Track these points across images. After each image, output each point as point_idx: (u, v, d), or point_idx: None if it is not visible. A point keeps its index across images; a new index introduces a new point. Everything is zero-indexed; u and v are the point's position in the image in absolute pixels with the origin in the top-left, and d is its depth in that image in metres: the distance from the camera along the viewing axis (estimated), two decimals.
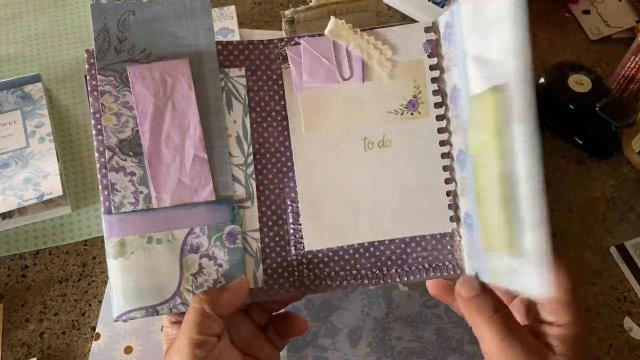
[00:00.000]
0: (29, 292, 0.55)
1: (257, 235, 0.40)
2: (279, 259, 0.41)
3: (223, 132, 0.40)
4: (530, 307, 0.37)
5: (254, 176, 0.41)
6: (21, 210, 0.57)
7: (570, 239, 0.59)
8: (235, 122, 0.41)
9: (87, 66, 0.39)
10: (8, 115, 0.62)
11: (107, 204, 0.39)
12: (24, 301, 0.54)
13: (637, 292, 0.55)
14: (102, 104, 0.39)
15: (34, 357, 0.51)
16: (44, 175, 0.58)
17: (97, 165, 0.39)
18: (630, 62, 0.64)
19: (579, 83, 0.63)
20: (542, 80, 0.65)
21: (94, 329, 0.53)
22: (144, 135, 0.39)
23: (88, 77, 0.39)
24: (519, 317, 0.38)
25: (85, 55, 0.39)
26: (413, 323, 0.52)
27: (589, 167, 0.64)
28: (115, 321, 0.38)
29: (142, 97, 0.39)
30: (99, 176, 0.39)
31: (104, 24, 0.39)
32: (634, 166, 0.64)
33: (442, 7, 0.71)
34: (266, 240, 0.41)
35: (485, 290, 0.37)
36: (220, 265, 0.39)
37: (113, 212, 0.38)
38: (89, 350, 0.51)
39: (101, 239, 0.58)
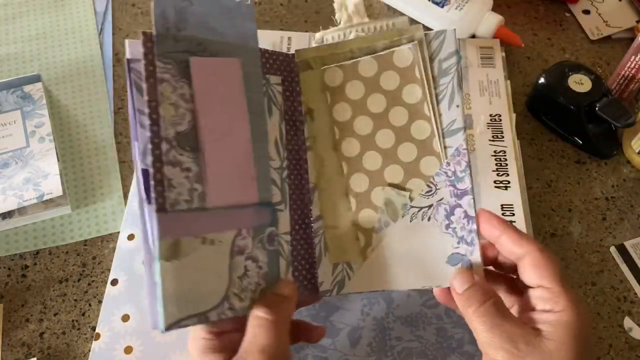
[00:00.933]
0: (29, 292, 0.55)
1: (288, 237, 0.41)
2: (303, 262, 0.42)
3: (264, 136, 0.40)
4: (527, 296, 0.37)
5: (287, 180, 0.41)
6: (21, 210, 0.57)
7: (570, 239, 0.59)
8: (274, 126, 0.41)
9: (142, 49, 0.35)
10: (8, 115, 0.62)
11: (160, 200, 0.35)
12: (24, 301, 0.54)
13: (637, 292, 0.55)
14: (161, 92, 0.36)
15: (34, 357, 0.51)
16: (44, 175, 0.58)
17: (151, 158, 0.35)
18: (630, 62, 0.64)
19: (579, 83, 0.63)
20: (542, 80, 0.65)
21: (94, 329, 0.53)
22: (202, 131, 0.37)
23: (144, 63, 0.35)
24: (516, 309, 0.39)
25: (142, 38, 0.35)
26: (413, 323, 0.52)
27: (589, 167, 0.64)
28: (165, 332, 0.34)
29: (202, 91, 0.37)
30: (151, 170, 0.35)
31: (163, 10, 0.37)
32: (634, 166, 0.64)
33: (442, 7, 0.71)
34: (294, 242, 0.41)
35: (477, 282, 0.37)
36: (261, 268, 0.38)
37: (168, 209, 0.35)
38: (89, 350, 0.51)
39: (101, 239, 0.58)
